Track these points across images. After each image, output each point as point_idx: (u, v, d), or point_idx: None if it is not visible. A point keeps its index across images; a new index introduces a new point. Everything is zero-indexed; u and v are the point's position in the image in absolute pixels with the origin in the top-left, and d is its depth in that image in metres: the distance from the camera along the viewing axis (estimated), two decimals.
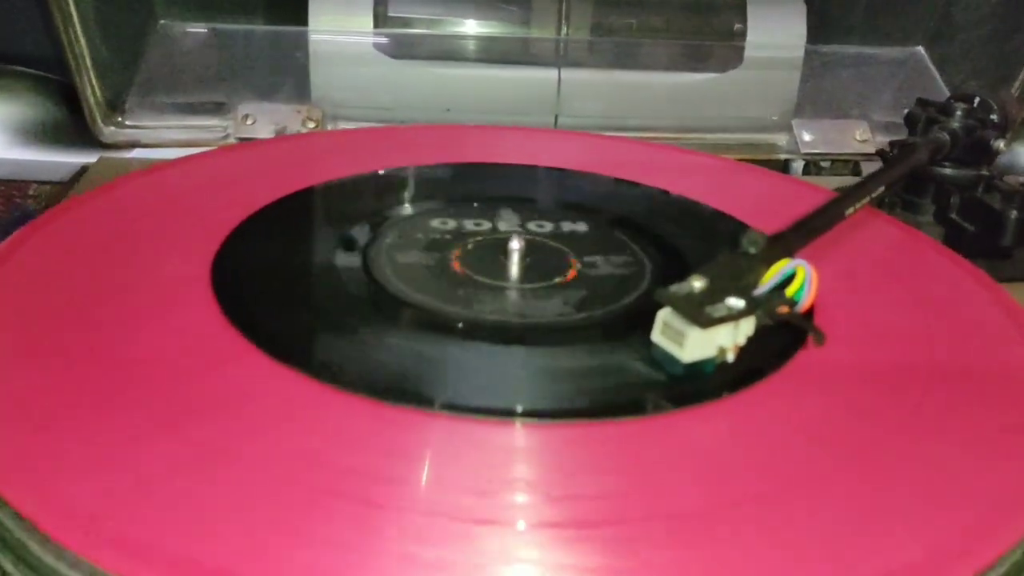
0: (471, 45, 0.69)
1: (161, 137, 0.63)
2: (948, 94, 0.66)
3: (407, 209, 0.47)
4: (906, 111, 0.55)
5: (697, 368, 0.33)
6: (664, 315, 0.33)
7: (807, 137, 0.65)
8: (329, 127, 0.63)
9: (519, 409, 0.32)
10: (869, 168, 0.65)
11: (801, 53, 0.69)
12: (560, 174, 0.53)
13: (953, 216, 0.52)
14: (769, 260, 0.36)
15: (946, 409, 0.33)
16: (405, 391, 0.32)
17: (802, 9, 0.69)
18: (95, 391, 0.31)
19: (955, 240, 0.51)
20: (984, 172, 0.51)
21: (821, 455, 0.30)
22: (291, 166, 0.51)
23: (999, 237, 0.49)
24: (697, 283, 0.34)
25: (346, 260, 0.41)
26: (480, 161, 0.53)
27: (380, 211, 0.46)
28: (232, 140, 0.61)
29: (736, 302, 0.33)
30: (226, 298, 0.36)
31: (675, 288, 0.34)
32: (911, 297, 0.42)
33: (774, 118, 0.69)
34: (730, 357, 0.34)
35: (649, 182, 0.52)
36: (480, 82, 0.69)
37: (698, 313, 0.32)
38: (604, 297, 0.40)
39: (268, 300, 0.38)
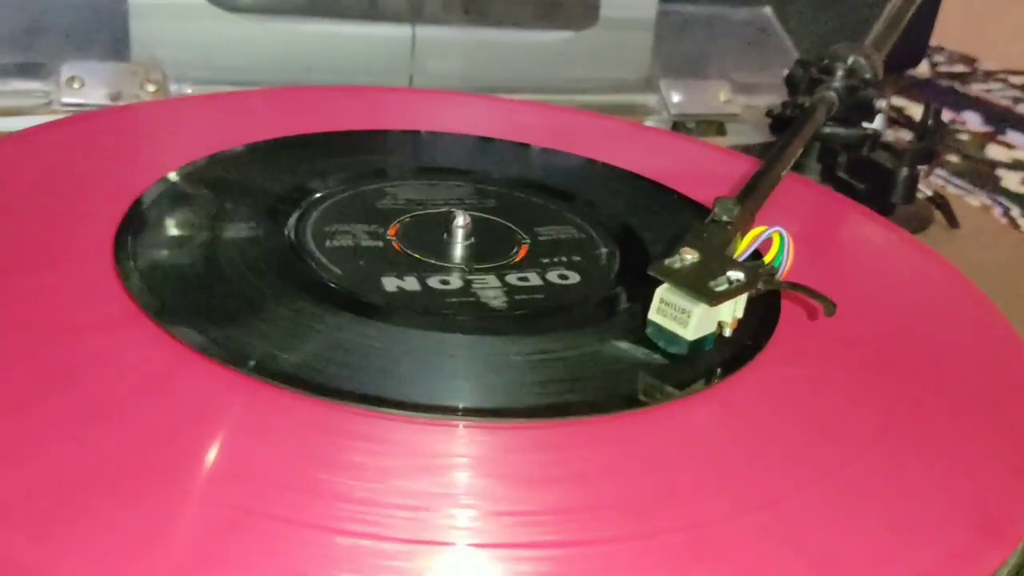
0: None
1: None
2: (796, 54, 0.68)
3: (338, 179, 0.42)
4: (786, 71, 0.55)
5: (698, 346, 0.31)
6: (662, 292, 0.31)
7: (676, 98, 0.65)
8: (173, 90, 0.56)
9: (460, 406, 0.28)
10: (733, 129, 0.65)
11: (653, 13, 0.68)
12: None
13: (841, 174, 0.53)
14: (741, 228, 0.35)
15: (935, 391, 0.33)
16: (321, 382, 0.28)
17: None
18: None
19: None
20: (870, 131, 0.52)
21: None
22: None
23: (888, 194, 0.51)
24: (689, 256, 0.32)
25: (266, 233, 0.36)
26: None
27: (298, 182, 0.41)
28: (57, 107, 0.53)
29: (736, 274, 0.31)
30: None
31: (670, 262, 0.31)
32: (855, 260, 0.42)
33: (629, 78, 0.68)
34: (727, 332, 0.32)
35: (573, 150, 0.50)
36: (325, 40, 0.63)
37: (704, 289, 0.30)
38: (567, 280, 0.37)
39: (171, 271, 0.33)
